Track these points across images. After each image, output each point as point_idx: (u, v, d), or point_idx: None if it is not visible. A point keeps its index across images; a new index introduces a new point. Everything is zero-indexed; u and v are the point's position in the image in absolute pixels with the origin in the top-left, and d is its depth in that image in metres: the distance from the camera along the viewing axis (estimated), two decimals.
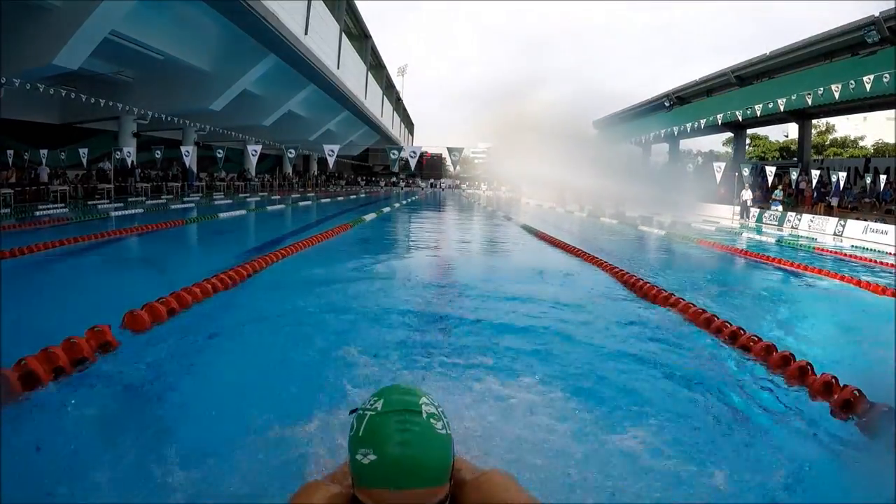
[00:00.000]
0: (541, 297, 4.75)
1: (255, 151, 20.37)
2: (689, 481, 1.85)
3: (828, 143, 41.82)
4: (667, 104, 30.62)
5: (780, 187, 20.75)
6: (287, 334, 3.53)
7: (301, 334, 3.46)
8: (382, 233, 11.24)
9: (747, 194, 20.31)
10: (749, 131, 34.02)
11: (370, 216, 14.15)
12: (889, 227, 14.18)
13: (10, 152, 15.55)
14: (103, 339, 2.94)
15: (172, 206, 15.44)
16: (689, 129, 24.44)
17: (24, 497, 1.71)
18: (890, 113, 27.99)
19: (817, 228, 16.66)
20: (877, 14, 17.33)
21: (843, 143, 41.63)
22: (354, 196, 29.85)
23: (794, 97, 18.63)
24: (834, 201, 19.58)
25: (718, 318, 3.85)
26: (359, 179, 51.45)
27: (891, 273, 7.74)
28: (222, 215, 12.93)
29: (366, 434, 0.90)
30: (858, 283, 6.33)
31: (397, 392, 0.95)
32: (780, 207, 19.19)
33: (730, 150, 38.03)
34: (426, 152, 46.93)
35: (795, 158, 27.49)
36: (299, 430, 2.03)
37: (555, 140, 22.08)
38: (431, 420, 0.91)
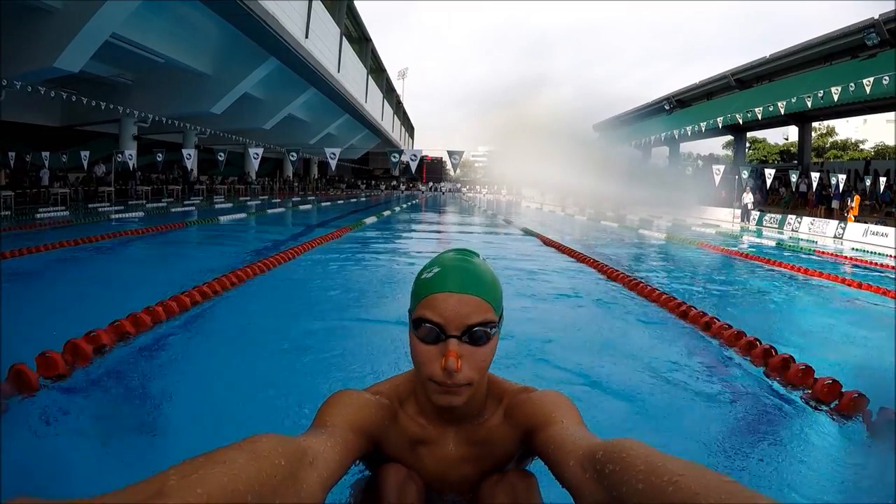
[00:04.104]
0: (540, 299, 4.73)
1: (257, 155, 20.42)
2: None
3: (828, 145, 41.90)
4: (667, 107, 30.70)
5: None
6: (275, 343, 3.50)
7: (300, 337, 3.45)
8: (383, 235, 11.23)
9: (748, 197, 20.32)
10: (749, 134, 34.10)
11: (371, 219, 14.13)
12: (889, 230, 14.19)
13: (12, 154, 15.57)
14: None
15: (173, 210, 15.43)
16: (689, 133, 24.50)
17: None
18: (890, 115, 28.07)
19: (818, 231, 16.65)
20: (876, 17, 17.40)
21: (844, 146, 41.71)
22: (355, 199, 29.86)
23: (794, 100, 18.68)
24: (835, 204, 19.61)
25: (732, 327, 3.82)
26: (359, 183, 51.48)
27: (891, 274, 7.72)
28: (223, 219, 12.93)
29: (430, 261, 1.01)
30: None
31: (454, 251, 1.06)
32: None
33: (730, 153, 38.10)
34: (427, 156, 47.05)
35: (795, 161, 27.54)
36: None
37: (555, 143, 22.09)
38: (486, 263, 1.03)
